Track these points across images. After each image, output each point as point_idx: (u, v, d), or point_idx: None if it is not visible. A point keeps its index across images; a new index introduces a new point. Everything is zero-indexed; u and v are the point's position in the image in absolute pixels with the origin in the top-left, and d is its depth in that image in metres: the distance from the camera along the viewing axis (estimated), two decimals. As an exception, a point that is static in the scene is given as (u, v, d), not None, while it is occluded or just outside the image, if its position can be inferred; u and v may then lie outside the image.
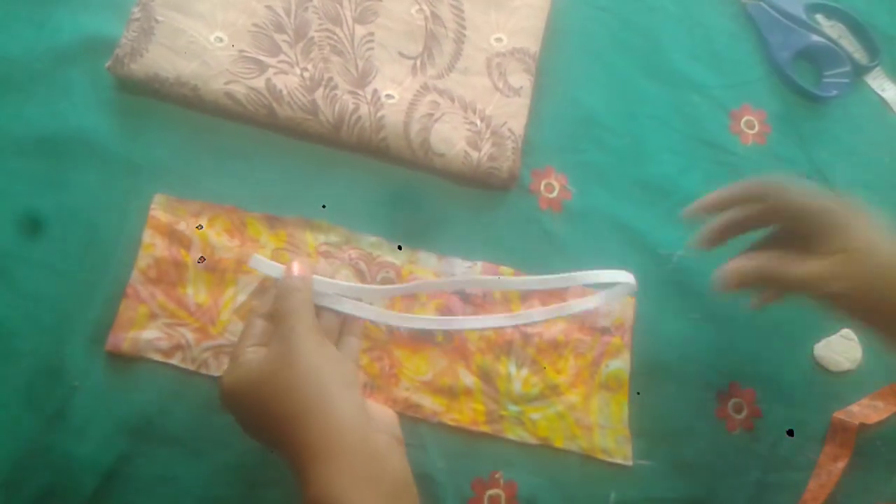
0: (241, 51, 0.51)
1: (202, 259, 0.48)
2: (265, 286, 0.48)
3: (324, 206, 0.50)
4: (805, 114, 0.59)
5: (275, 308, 0.41)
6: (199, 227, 0.48)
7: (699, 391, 0.51)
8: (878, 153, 0.59)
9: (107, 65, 0.49)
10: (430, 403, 0.48)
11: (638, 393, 0.50)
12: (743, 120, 0.58)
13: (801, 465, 0.51)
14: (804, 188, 0.44)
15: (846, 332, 0.52)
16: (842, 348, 0.52)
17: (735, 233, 0.46)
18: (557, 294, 0.51)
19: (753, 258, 0.44)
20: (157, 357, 0.46)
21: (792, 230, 0.44)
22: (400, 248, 0.47)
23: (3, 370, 0.45)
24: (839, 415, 0.50)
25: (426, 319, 0.47)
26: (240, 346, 0.40)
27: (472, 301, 0.50)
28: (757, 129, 0.58)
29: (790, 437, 0.50)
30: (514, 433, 0.48)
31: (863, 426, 0.50)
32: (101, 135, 0.49)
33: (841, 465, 0.49)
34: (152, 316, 0.47)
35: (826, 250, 0.41)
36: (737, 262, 0.44)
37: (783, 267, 0.42)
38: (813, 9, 0.61)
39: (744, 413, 0.51)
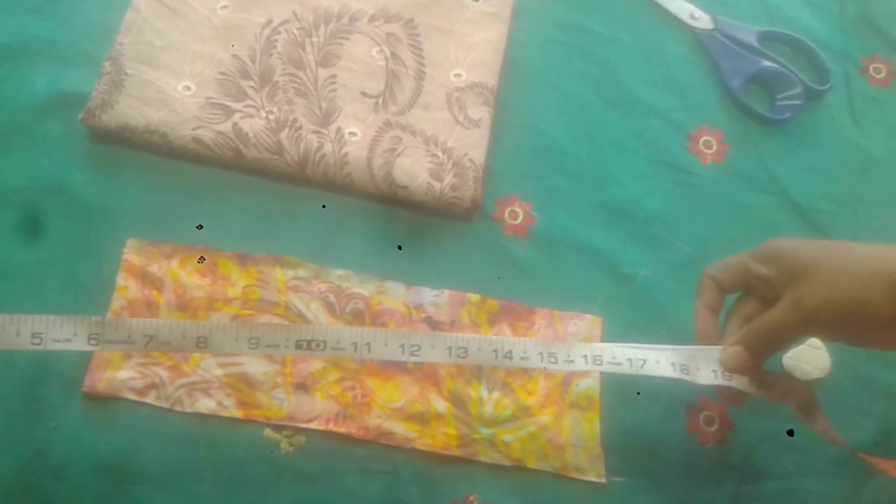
0: (209, 98, 0.53)
1: (202, 259, 0.50)
2: None
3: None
4: (762, 132, 0.61)
5: None
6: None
7: (669, 406, 0.51)
8: (837, 167, 0.60)
9: (79, 116, 0.52)
10: (402, 430, 0.48)
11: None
12: (701, 140, 0.59)
13: (776, 475, 0.51)
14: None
15: (813, 340, 0.52)
16: (809, 357, 0.52)
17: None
18: (525, 317, 0.52)
19: (733, 339, 0.45)
20: (132, 396, 0.47)
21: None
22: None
23: (-19, 414, 0.46)
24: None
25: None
26: None
27: (441, 328, 0.51)
28: (715, 148, 0.59)
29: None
30: (487, 456, 0.49)
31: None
32: (75, 184, 0.51)
33: None
34: (126, 356, 0.48)
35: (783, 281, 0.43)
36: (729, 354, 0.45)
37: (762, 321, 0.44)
38: (765, 36, 0.63)
39: (715, 426, 0.51)
